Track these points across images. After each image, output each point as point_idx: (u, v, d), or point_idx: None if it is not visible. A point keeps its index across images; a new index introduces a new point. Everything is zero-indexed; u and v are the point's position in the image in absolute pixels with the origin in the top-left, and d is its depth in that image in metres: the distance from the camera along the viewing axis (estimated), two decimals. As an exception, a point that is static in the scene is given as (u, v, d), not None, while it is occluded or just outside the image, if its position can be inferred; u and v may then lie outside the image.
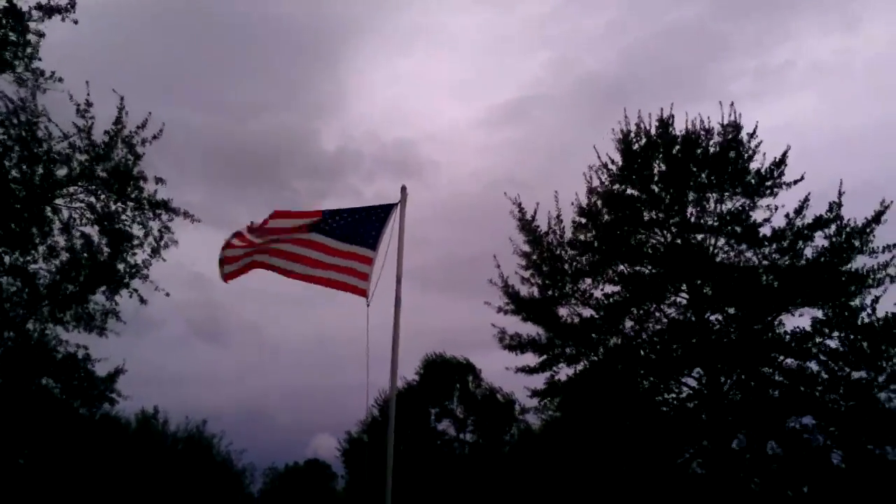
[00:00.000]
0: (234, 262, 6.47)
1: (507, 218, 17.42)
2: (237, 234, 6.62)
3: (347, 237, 6.50)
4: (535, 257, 17.09)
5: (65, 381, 14.48)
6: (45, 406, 14.42)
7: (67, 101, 13.14)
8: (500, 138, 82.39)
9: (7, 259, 13.50)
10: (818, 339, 14.84)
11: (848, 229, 14.93)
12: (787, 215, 15.66)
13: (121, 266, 14.25)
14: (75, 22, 12.69)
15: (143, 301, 14.26)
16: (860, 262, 14.88)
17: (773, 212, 15.98)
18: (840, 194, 15.28)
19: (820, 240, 15.31)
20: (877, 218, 14.84)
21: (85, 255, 14.02)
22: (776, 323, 15.46)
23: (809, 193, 15.65)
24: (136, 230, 14.19)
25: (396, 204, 6.64)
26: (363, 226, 6.54)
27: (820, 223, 15.28)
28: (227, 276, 6.43)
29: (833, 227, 15.14)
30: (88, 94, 13.34)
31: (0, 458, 16.05)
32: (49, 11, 12.57)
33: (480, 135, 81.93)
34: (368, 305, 6.20)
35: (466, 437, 32.17)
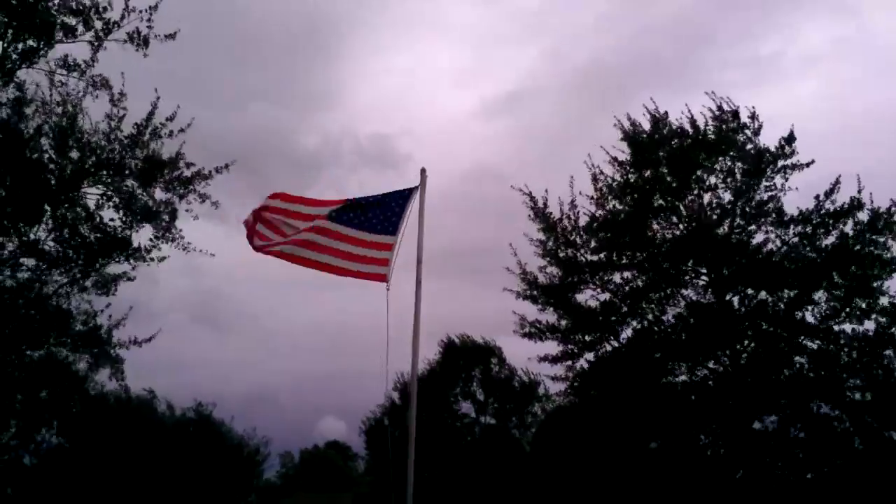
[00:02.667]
0: (266, 240, 6.71)
1: (504, 207, 17.47)
2: (262, 210, 6.81)
3: (368, 226, 6.55)
4: (550, 244, 17.04)
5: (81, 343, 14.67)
6: (58, 380, 14.69)
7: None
8: (495, 129, 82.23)
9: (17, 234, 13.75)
10: (841, 319, 14.75)
11: (882, 216, 14.81)
12: (816, 196, 15.48)
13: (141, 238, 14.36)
14: (145, 55, 13.19)
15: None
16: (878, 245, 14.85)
17: (784, 192, 15.90)
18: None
19: (843, 225, 15.18)
20: None
21: (100, 231, 14.18)
22: (800, 303, 15.35)
23: (840, 176, 15.40)
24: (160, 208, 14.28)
25: (416, 187, 6.67)
26: (384, 213, 6.58)
27: (848, 209, 15.11)
28: (258, 249, 6.72)
29: (863, 211, 15.02)
30: (123, 85, 13.50)
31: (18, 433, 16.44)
32: (132, 39, 13.08)
33: (475, 126, 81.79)
34: (388, 290, 6.28)
35: (487, 420, 32.31)
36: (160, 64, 13.57)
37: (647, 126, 16.89)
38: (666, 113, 16.79)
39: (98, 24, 13.05)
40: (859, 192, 15.05)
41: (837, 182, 15.34)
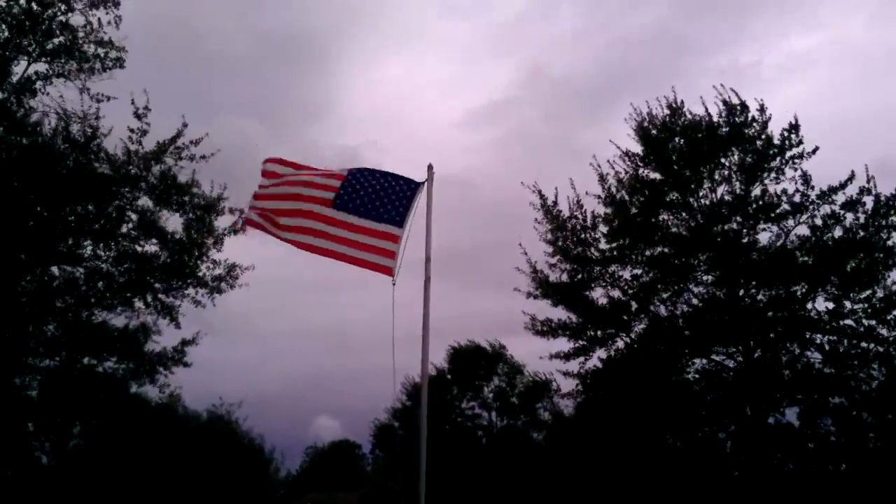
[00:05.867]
0: (259, 215, 6.53)
1: (490, 213, 17.37)
2: (264, 176, 6.65)
3: (374, 214, 6.35)
4: (560, 242, 16.96)
5: (121, 357, 14.77)
6: (93, 388, 14.75)
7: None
8: (480, 138, 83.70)
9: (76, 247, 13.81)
10: (846, 312, 14.60)
11: (884, 208, 14.68)
12: (803, 191, 15.40)
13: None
14: (118, 20, 13.26)
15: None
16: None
17: (795, 183, 15.69)
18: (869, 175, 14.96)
19: (849, 217, 15.06)
20: None
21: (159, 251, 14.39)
22: (808, 299, 15.22)
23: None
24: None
25: (423, 182, 6.54)
26: (390, 201, 6.41)
27: (852, 201, 14.98)
28: (248, 222, 6.64)
29: (867, 202, 14.89)
30: (148, 101, 13.58)
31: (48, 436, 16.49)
32: (95, 4, 13.13)
33: (461, 135, 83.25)
34: (394, 284, 6.11)
35: (496, 421, 32.24)
36: (143, 73, 13.57)
37: (660, 119, 16.79)
38: (682, 102, 16.71)
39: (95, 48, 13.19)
40: (868, 180, 14.95)
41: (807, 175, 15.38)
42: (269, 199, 6.55)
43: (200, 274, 14.56)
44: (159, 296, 14.66)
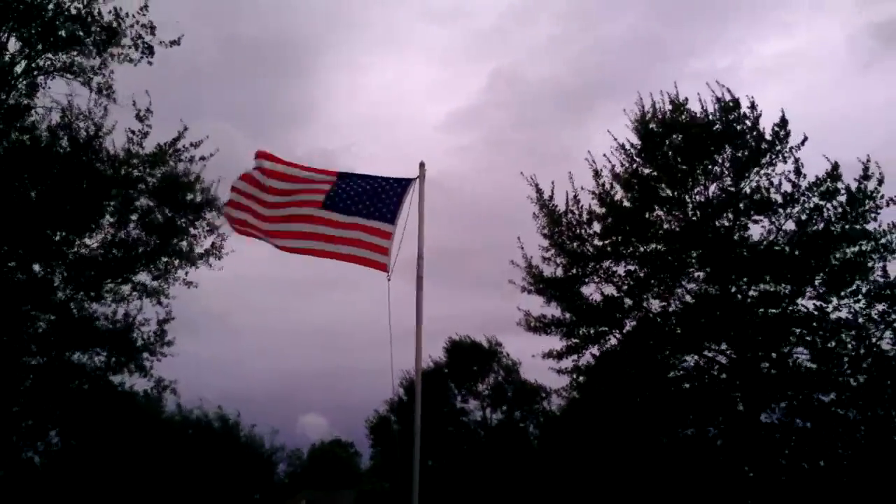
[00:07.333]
0: (243, 211, 6.52)
1: (471, 215, 17.39)
2: (245, 178, 6.61)
3: (365, 211, 6.35)
4: (556, 237, 17.01)
5: (109, 350, 14.77)
6: (79, 383, 14.69)
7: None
8: (459, 142, 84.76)
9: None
10: (836, 306, 14.74)
11: (860, 195, 14.85)
12: (790, 180, 15.53)
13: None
14: (150, 63, 13.37)
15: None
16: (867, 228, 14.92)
17: (784, 176, 15.73)
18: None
19: (829, 209, 15.17)
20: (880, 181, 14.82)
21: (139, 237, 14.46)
22: (798, 295, 15.31)
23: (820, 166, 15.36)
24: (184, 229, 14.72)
25: (415, 179, 6.56)
26: (381, 199, 6.40)
27: (829, 191, 15.13)
28: (238, 230, 6.61)
29: (843, 193, 15.04)
30: (150, 103, 13.64)
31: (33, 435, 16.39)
32: (136, 47, 13.20)
33: (443, 139, 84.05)
34: (389, 280, 6.12)
35: (494, 417, 32.33)
36: (125, 78, 13.64)
37: (659, 117, 16.83)
38: (686, 99, 16.76)
39: (100, 33, 13.02)
40: (835, 168, 15.21)
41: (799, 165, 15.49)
42: (256, 202, 6.54)
43: (186, 248, 14.69)
44: (147, 281, 14.77)
